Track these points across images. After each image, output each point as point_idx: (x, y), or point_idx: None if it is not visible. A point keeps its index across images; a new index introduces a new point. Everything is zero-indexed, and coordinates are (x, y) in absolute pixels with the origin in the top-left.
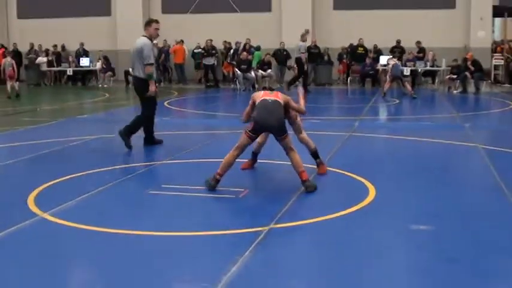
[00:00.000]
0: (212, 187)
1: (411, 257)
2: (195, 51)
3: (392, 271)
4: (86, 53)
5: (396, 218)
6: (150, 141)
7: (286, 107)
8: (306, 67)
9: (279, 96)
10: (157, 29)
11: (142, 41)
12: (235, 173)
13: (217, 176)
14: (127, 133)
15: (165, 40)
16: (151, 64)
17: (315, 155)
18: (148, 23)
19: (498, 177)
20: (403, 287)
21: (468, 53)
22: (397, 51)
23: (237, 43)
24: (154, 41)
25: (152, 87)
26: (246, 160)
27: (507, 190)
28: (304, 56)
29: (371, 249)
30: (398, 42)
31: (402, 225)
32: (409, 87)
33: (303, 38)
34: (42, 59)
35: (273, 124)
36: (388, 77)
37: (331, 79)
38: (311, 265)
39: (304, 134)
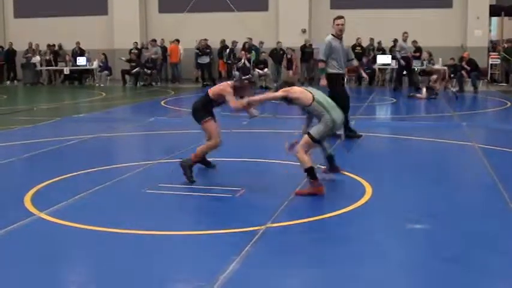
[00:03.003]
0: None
1: (407, 256)
2: (195, 50)
3: (389, 270)
4: (82, 52)
5: (393, 217)
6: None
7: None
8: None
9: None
10: (338, 24)
11: (326, 38)
12: (231, 172)
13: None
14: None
15: (162, 39)
16: (321, 60)
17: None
18: (333, 20)
19: (495, 176)
20: (399, 286)
21: (465, 52)
22: (394, 50)
23: (233, 42)
24: (155, 39)
25: (322, 82)
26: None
27: (503, 189)
28: (399, 55)
29: (367, 248)
30: (395, 41)
31: (399, 224)
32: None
33: (404, 37)
34: (37, 58)
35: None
36: (437, 75)
37: None
38: (307, 264)
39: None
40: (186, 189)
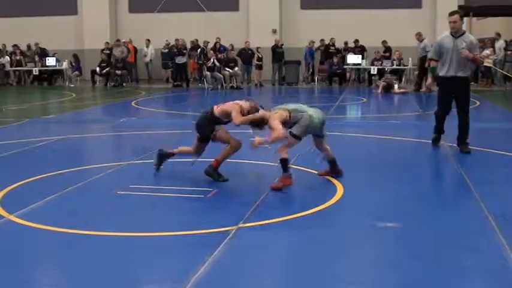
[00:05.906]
0: None
1: (377, 254)
2: (162, 50)
3: (359, 267)
4: (46, 53)
5: (363, 215)
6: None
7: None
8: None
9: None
10: (450, 22)
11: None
12: (203, 173)
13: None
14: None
15: (130, 39)
16: (432, 59)
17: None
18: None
19: (463, 174)
20: (370, 283)
21: None
22: (357, 50)
23: (205, 42)
24: (123, 40)
25: (428, 81)
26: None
27: (472, 186)
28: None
29: (338, 246)
30: (356, 41)
31: (369, 223)
32: None
33: (421, 37)
34: (6, 59)
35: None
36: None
37: (298, 78)
38: (279, 264)
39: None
40: (157, 190)
